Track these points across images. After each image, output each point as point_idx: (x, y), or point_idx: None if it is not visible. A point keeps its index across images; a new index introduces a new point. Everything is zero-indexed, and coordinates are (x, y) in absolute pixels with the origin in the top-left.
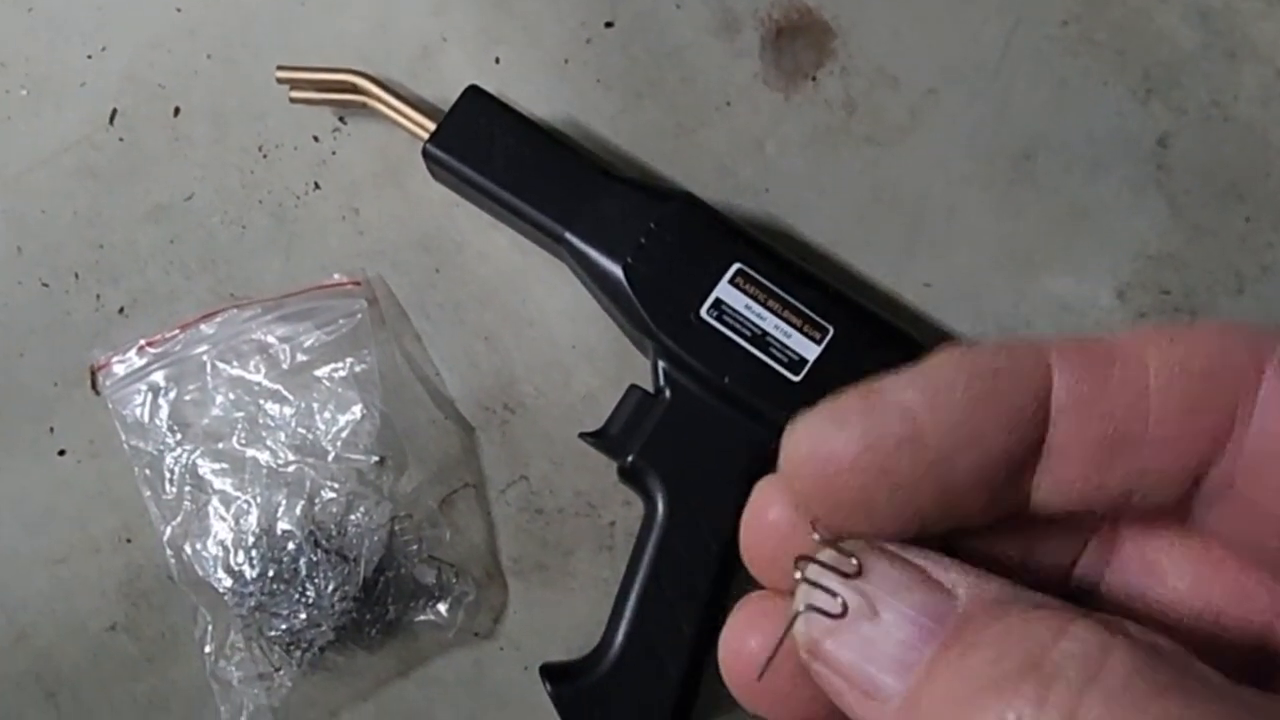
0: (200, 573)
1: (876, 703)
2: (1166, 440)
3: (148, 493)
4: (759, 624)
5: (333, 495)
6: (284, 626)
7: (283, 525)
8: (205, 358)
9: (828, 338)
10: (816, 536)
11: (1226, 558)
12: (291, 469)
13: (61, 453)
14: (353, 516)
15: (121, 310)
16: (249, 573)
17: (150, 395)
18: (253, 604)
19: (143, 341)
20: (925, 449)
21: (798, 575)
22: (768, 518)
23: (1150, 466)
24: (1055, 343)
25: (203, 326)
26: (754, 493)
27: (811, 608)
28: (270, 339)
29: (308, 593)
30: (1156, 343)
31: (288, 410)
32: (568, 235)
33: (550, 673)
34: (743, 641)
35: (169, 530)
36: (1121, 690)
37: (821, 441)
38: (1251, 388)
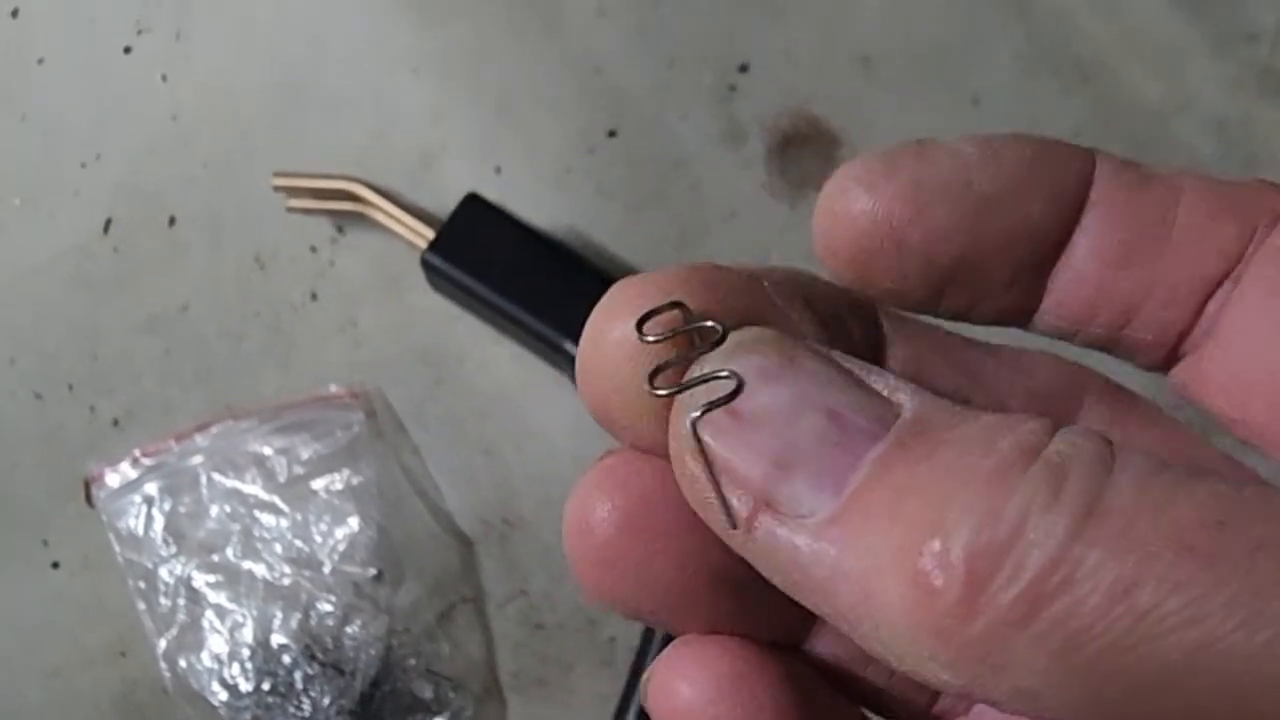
0: (195, 686)
1: (786, 525)
2: (1184, 251)
3: (142, 605)
4: (621, 480)
5: (329, 608)
6: None
7: (278, 638)
8: (200, 469)
9: None
10: (711, 323)
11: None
12: (287, 581)
13: (55, 565)
14: (349, 629)
15: (116, 422)
16: (244, 686)
17: (145, 507)
18: (248, 718)
19: (137, 453)
20: (968, 194)
21: (695, 371)
22: (618, 328)
23: (1162, 279)
24: (1098, 150)
25: (198, 438)
26: (603, 301)
27: (712, 405)
28: (266, 451)
29: (304, 706)
30: (1194, 174)
31: (284, 522)
32: (567, 345)
33: None
34: (590, 507)
35: (164, 643)
36: (1151, 476)
37: (868, 181)
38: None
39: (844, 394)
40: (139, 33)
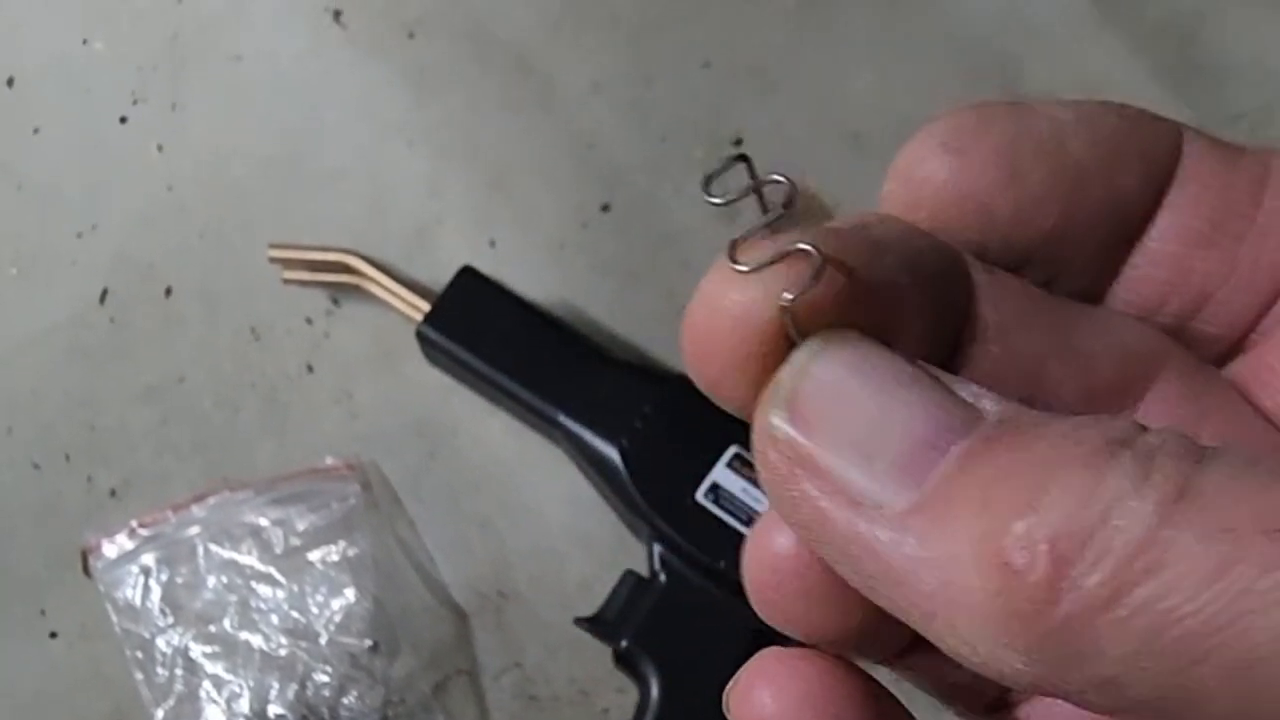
0: None
1: (866, 516)
2: (1270, 235)
3: (139, 676)
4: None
5: (325, 679)
6: None
7: (275, 709)
8: (197, 540)
9: None
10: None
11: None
12: (284, 652)
13: (53, 635)
14: (345, 700)
15: (113, 492)
16: None
17: (142, 578)
18: None
19: (134, 523)
20: (1065, 160)
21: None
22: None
23: (1243, 260)
24: (1185, 125)
25: (195, 509)
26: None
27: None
28: (263, 522)
29: None
30: None
31: (280, 594)
32: (562, 418)
33: None
34: (772, 538)
35: (161, 714)
36: (1242, 467)
37: (956, 142)
38: None
39: (928, 391)
40: (135, 103)
